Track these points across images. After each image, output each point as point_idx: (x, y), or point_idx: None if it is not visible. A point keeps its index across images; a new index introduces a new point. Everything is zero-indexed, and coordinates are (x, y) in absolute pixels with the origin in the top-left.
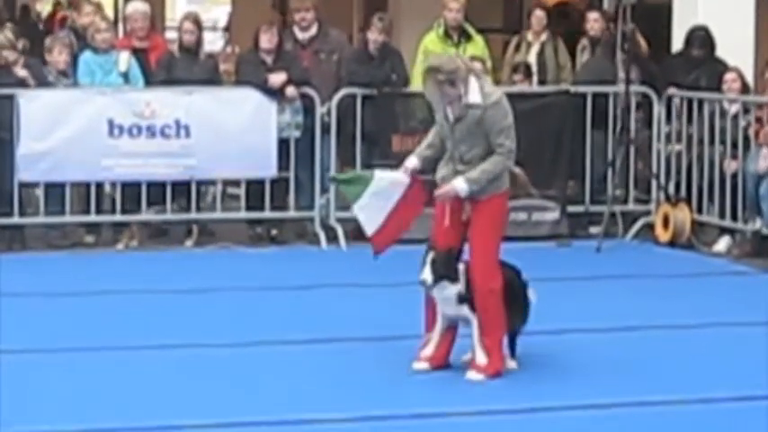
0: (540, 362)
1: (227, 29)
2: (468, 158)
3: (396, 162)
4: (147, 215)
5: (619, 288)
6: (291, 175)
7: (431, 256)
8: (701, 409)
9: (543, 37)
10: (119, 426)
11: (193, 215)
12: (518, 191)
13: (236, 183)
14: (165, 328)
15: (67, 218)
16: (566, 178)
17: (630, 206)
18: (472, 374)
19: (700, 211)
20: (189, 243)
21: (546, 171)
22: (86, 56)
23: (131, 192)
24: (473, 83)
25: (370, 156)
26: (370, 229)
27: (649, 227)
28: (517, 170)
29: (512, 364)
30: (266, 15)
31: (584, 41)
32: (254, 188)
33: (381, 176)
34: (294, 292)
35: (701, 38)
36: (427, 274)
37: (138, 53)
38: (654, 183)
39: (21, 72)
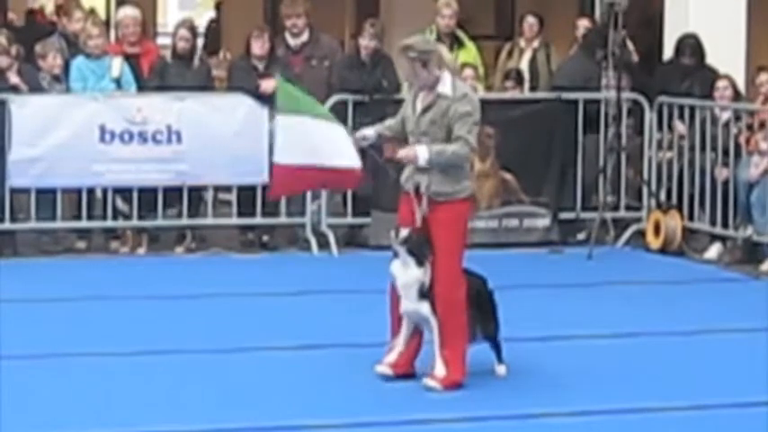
0: (530, 368)
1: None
2: None
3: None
4: (138, 221)
5: (610, 295)
6: None
7: (409, 230)
8: (695, 416)
9: (535, 44)
10: None
11: (185, 221)
12: (509, 197)
13: (227, 188)
14: (156, 333)
15: (59, 223)
16: (557, 185)
17: (622, 213)
18: (429, 381)
19: (691, 218)
20: (180, 249)
21: (537, 177)
22: (79, 61)
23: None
24: (447, 75)
25: (362, 161)
26: (279, 158)
27: (640, 234)
28: (508, 176)
29: (500, 370)
30: (256, 21)
31: (575, 48)
32: (246, 194)
33: (331, 126)
34: (285, 298)
35: (691, 46)
36: (403, 232)
37: (129, 59)
38: (645, 190)
39: (13, 78)
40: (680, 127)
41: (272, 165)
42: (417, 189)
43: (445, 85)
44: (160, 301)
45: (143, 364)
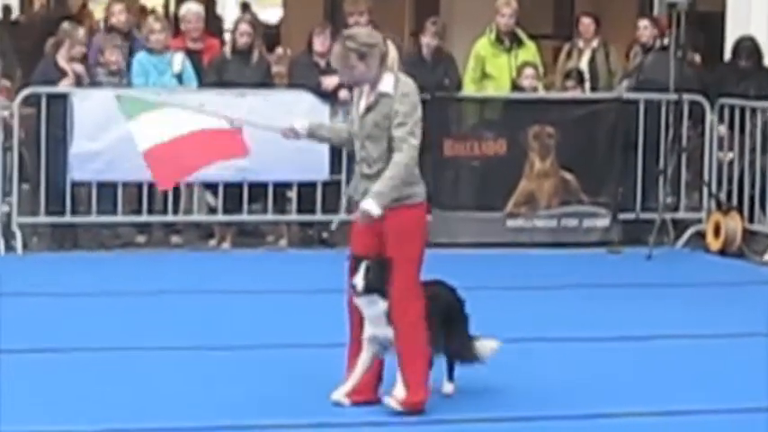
0: (586, 368)
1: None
2: (375, 157)
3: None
4: (198, 216)
5: (669, 296)
6: (343, 177)
7: (365, 263)
8: (759, 419)
9: (594, 44)
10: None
11: (245, 217)
12: (569, 197)
13: (287, 185)
14: (212, 328)
15: (119, 217)
16: (617, 185)
17: (681, 214)
18: (389, 400)
19: (751, 219)
20: (226, 245)
21: (597, 178)
22: (141, 56)
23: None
24: (390, 74)
25: (421, 159)
26: (142, 145)
27: (700, 235)
28: (568, 176)
29: (448, 388)
30: (317, 18)
31: (636, 48)
32: (306, 191)
33: (174, 109)
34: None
35: (747, 48)
36: (359, 280)
37: (191, 54)
38: (705, 191)
39: (77, 67)
40: (721, 130)
41: (144, 152)
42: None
43: (387, 84)
44: (217, 296)
45: (199, 359)
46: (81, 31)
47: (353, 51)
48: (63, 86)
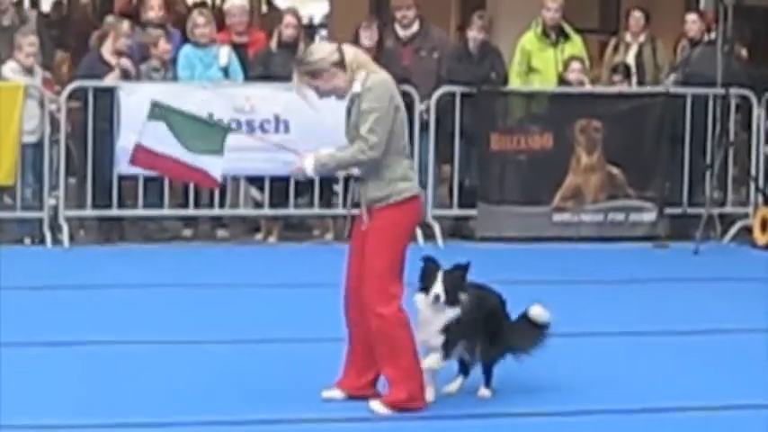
0: (630, 363)
1: (323, 25)
2: None
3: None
4: (244, 210)
5: (715, 291)
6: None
7: (442, 272)
8: None
9: (641, 38)
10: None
11: (291, 210)
12: (615, 191)
13: (334, 179)
14: (257, 323)
15: (165, 211)
16: (663, 179)
17: (728, 209)
18: (374, 404)
19: None
20: (272, 239)
21: (644, 172)
22: (187, 50)
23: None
24: (361, 74)
25: (468, 153)
26: (145, 140)
27: (747, 230)
28: (615, 170)
29: (485, 392)
30: (363, 12)
31: (683, 43)
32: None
33: (213, 129)
34: None
35: None
36: (440, 290)
37: (237, 48)
38: (752, 185)
39: (124, 61)
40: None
41: (137, 144)
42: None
43: (357, 84)
44: (263, 290)
45: (245, 352)
46: (126, 25)
47: (306, 74)
48: (109, 80)
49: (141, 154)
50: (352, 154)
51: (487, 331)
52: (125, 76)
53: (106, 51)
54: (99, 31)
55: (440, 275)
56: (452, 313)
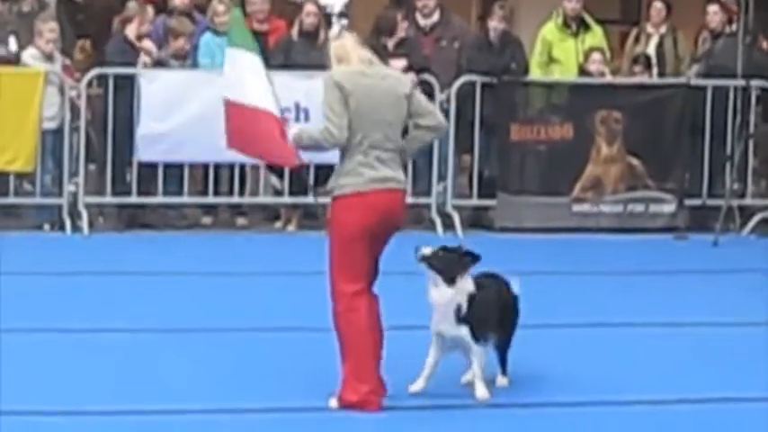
0: (647, 355)
1: (343, 14)
2: None
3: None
4: (264, 198)
5: (734, 283)
6: (409, 161)
7: (439, 246)
8: None
9: (663, 29)
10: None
11: (311, 199)
12: (635, 182)
13: None
14: (277, 310)
15: (185, 198)
16: (683, 171)
17: (748, 200)
18: (332, 401)
19: None
20: (291, 227)
21: (664, 163)
22: (207, 38)
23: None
24: (334, 67)
25: (488, 143)
26: (226, 93)
27: (767, 221)
28: (634, 161)
29: (502, 381)
30: (385, 1)
31: (704, 34)
32: None
33: (258, 68)
34: (409, 277)
35: None
36: (428, 250)
37: (257, 36)
38: None
39: (146, 43)
40: None
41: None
42: None
43: None
44: (283, 278)
45: (262, 340)
46: (150, 10)
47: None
48: (130, 68)
49: (233, 111)
50: (316, 134)
51: (500, 318)
52: (157, 62)
53: (131, 33)
54: (121, 16)
55: (438, 249)
56: (450, 294)
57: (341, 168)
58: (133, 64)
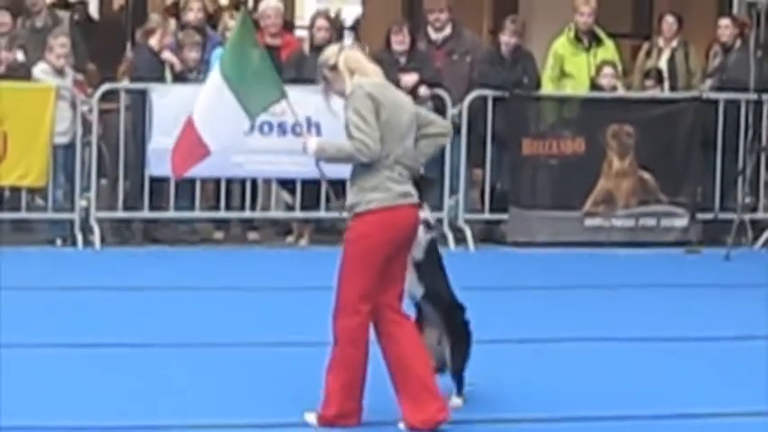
0: (659, 369)
1: (353, 28)
2: None
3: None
4: (275, 212)
5: (746, 297)
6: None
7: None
8: None
9: (674, 43)
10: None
11: (323, 213)
12: (647, 196)
13: None
14: (289, 325)
15: (197, 213)
16: (695, 185)
17: (760, 214)
18: (309, 416)
19: None
20: (303, 242)
21: (675, 177)
22: (219, 52)
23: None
24: (348, 79)
25: (499, 158)
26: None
27: None
28: (646, 175)
29: (456, 402)
30: (395, 14)
31: (715, 48)
32: None
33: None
34: None
35: None
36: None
37: (269, 50)
38: None
39: (166, 54)
40: None
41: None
42: None
43: (348, 88)
44: (295, 293)
45: (276, 355)
46: (173, 23)
47: (322, 78)
48: (140, 84)
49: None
50: (348, 147)
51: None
52: (171, 69)
53: (155, 44)
54: (144, 28)
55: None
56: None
57: (364, 183)
58: (161, 77)
